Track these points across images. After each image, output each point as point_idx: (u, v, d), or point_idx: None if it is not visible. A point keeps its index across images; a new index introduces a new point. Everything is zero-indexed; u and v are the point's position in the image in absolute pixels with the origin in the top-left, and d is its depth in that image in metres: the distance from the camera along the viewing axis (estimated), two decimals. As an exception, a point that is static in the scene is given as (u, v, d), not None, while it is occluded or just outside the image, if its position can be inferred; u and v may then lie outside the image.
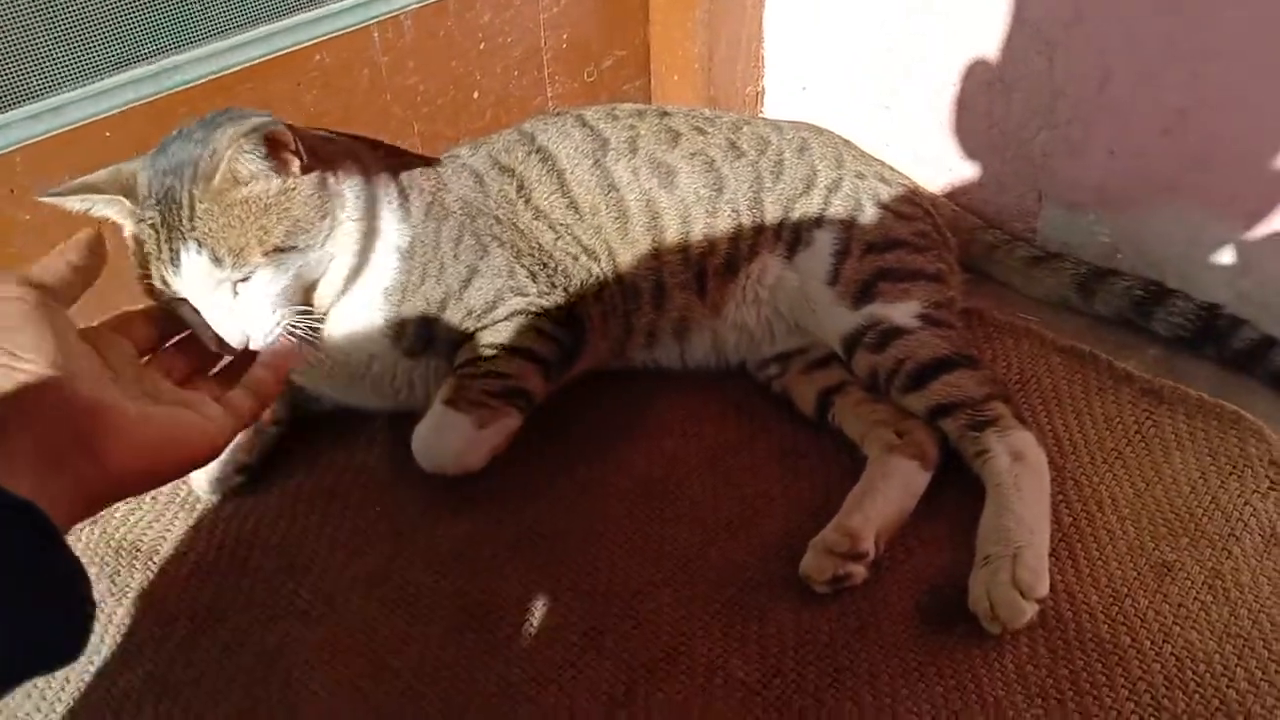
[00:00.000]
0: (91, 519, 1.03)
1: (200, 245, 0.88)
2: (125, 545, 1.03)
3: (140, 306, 0.85)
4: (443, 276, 1.03)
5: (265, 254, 0.91)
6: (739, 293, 1.13)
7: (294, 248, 0.93)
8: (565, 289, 1.07)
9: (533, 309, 1.05)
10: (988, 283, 1.27)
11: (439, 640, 0.91)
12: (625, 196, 1.11)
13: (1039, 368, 1.17)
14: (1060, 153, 1.26)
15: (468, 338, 1.04)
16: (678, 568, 0.97)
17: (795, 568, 0.94)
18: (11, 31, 0.99)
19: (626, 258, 1.11)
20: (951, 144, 1.37)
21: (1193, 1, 1.09)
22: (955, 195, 1.37)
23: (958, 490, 1.01)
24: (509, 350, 1.03)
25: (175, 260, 0.89)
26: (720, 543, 0.99)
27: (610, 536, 1.00)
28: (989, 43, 1.27)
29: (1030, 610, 0.87)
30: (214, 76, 1.09)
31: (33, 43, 1.00)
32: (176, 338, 0.85)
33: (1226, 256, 1.18)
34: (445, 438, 1.01)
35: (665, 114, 1.18)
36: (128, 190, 0.90)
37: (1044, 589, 0.88)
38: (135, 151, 1.04)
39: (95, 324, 0.81)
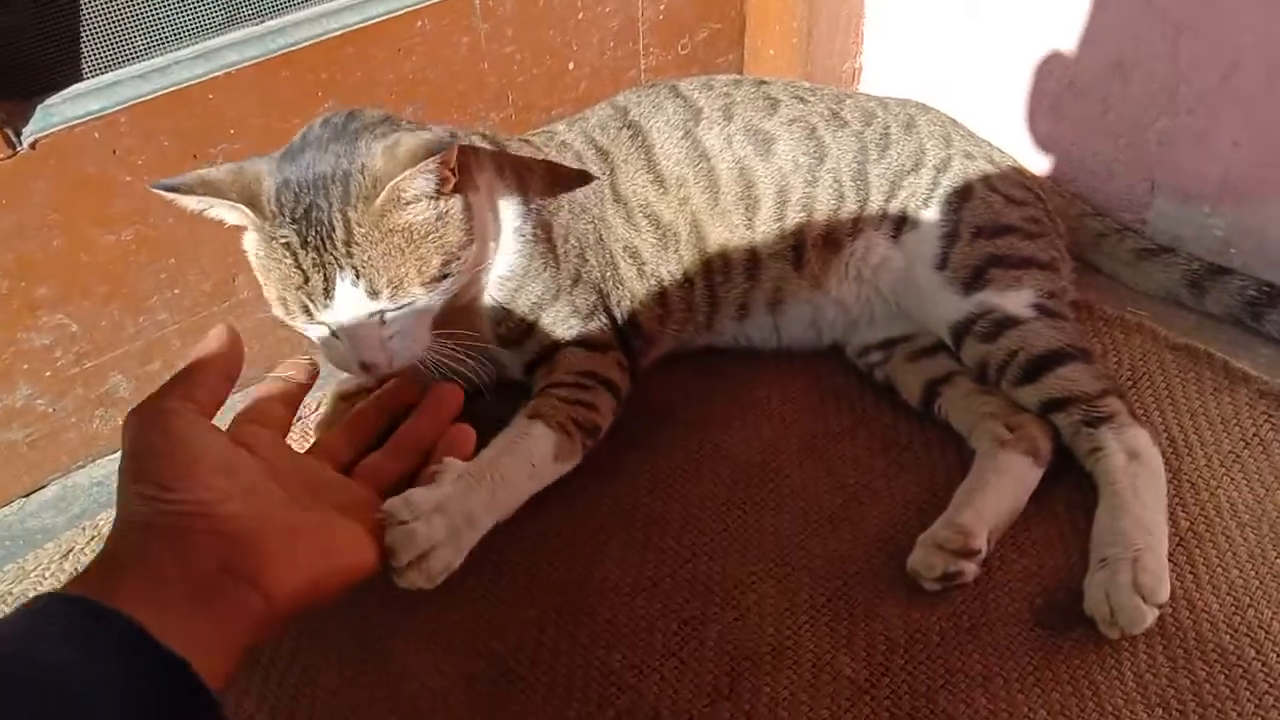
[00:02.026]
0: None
1: (359, 275, 0.83)
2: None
3: (270, 387, 0.85)
4: (559, 269, 1.01)
5: (423, 284, 0.86)
6: (841, 268, 1.10)
7: (448, 275, 0.88)
8: (619, 305, 1.06)
9: (611, 332, 1.04)
10: (1094, 274, 1.23)
11: (538, 623, 0.90)
12: (716, 166, 1.08)
13: (1151, 365, 1.12)
14: (1179, 142, 1.21)
15: (556, 348, 1.02)
16: (779, 559, 0.94)
17: (901, 563, 0.92)
18: (120, -11, 0.98)
19: (716, 230, 1.08)
20: (1060, 128, 1.32)
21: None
22: (1061, 181, 1.32)
23: (1066, 487, 0.98)
24: (599, 380, 1.00)
25: (328, 290, 0.84)
26: (822, 535, 0.97)
27: (709, 524, 0.98)
28: (1109, 24, 1.22)
29: (1151, 616, 0.84)
30: (317, 40, 1.06)
31: (141, 1, 0.99)
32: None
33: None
34: (523, 450, 0.92)
35: (763, 82, 1.15)
36: (252, 199, 0.84)
37: (1165, 594, 0.85)
38: (238, 115, 1.04)
39: (234, 419, 0.82)
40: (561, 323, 1.02)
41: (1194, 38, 1.15)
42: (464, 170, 0.91)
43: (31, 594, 0.93)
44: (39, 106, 0.96)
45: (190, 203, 0.84)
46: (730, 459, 1.05)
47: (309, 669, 0.87)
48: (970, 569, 0.90)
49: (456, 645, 0.88)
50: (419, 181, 0.84)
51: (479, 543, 0.91)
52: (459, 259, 0.89)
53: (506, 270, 1.00)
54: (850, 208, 1.08)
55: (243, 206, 0.83)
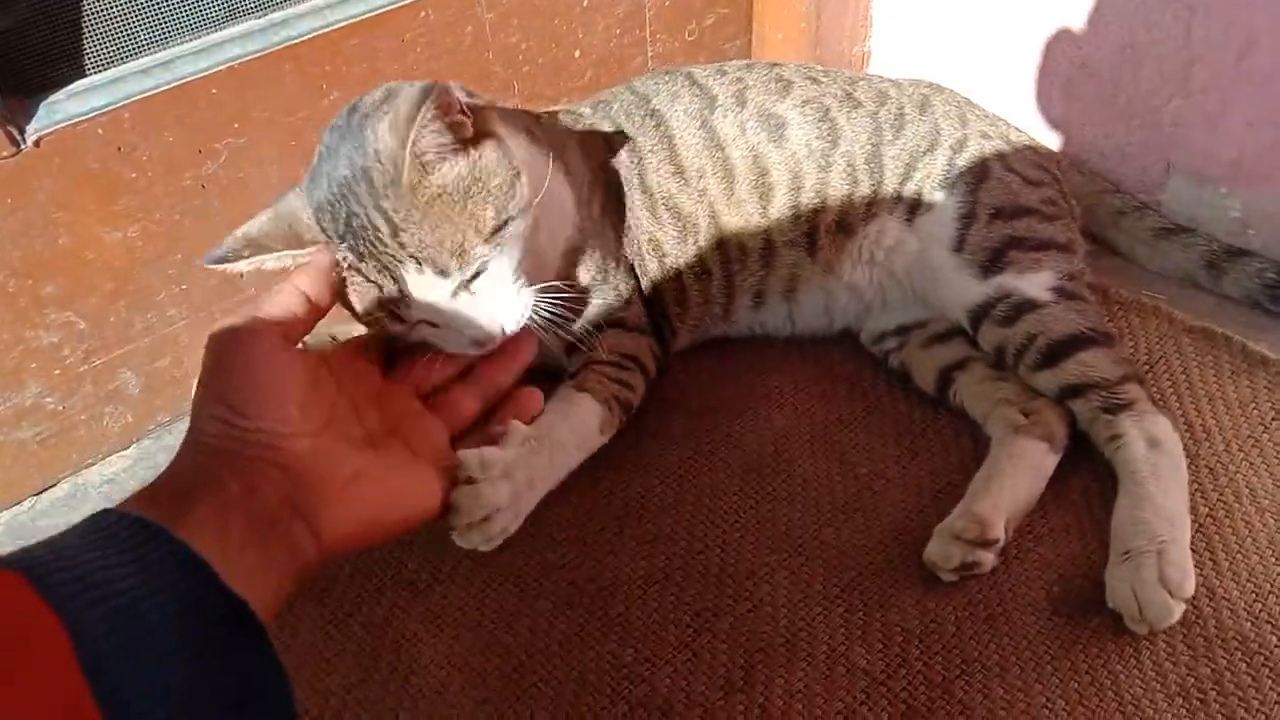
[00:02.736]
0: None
1: (420, 262, 0.80)
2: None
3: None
4: (604, 247, 1.01)
5: (486, 242, 0.83)
6: (855, 252, 1.09)
7: (508, 220, 0.84)
8: (644, 293, 1.06)
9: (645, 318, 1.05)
10: (1109, 256, 1.21)
11: (549, 616, 0.89)
12: (731, 155, 1.06)
13: (1168, 349, 1.11)
14: (1193, 123, 1.19)
15: (600, 329, 1.01)
16: (792, 549, 0.94)
17: (916, 553, 0.91)
18: (122, -16, 0.97)
19: (732, 219, 1.07)
20: (1073, 109, 1.30)
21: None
22: (1076, 163, 1.30)
23: (1083, 474, 0.97)
24: (637, 363, 1.02)
25: (401, 289, 0.81)
26: (836, 524, 0.96)
27: (721, 514, 0.97)
28: (1120, 4, 1.20)
29: (1179, 610, 0.82)
30: (321, 32, 1.06)
31: (142, -5, 0.99)
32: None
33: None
34: (575, 420, 0.94)
35: (776, 65, 1.14)
36: (294, 241, 0.81)
37: (1191, 587, 0.83)
38: (242, 109, 1.03)
39: (340, 343, 0.82)
40: (604, 304, 1.02)
41: (1207, 18, 1.13)
42: (486, 121, 0.87)
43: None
44: (42, 104, 0.95)
45: (243, 267, 0.81)
46: (742, 449, 1.04)
47: (320, 666, 0.87)
48: (988, 559, 0.88)
49: (466, 638, 0.88)
50: (429, 137, 0.79)
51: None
52: (512, 200, 0.85)
53: (564, 243, 0.99)
54: (864, 191, 1.07)
55: (291, 252, 0.80)
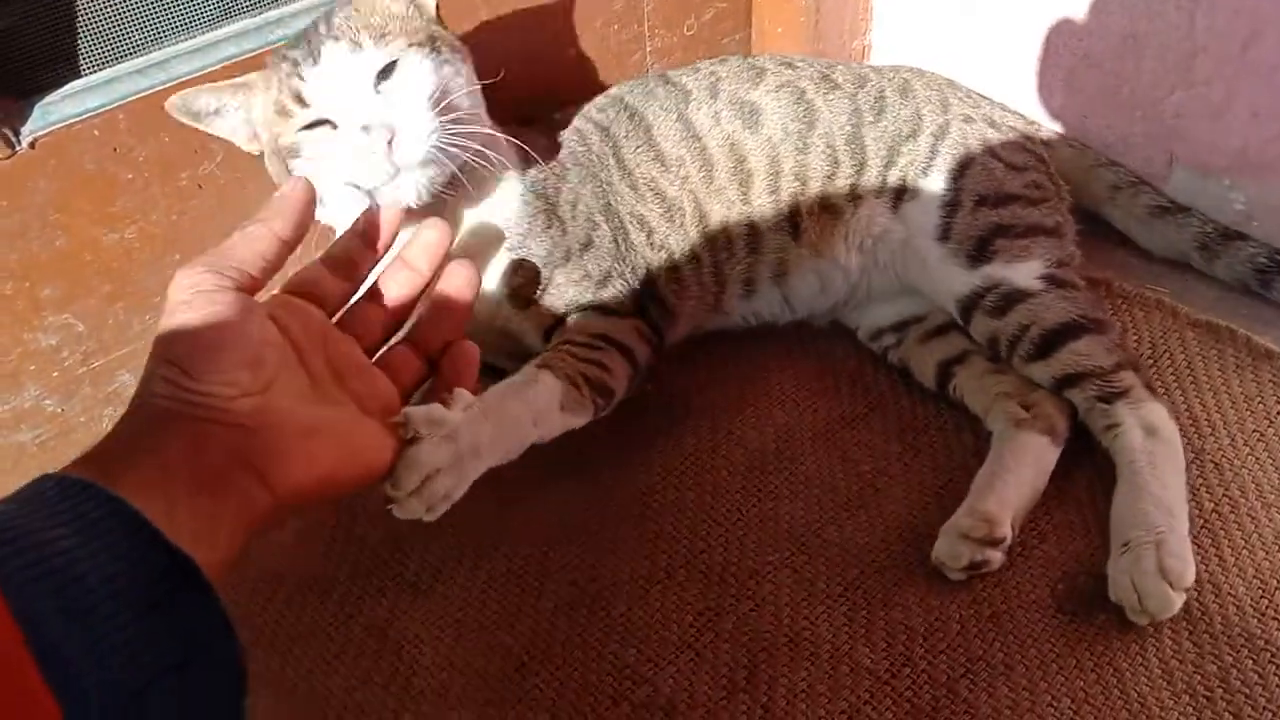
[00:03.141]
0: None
1: (338, 39, 0.86)
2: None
3: (335, 252, 0.81)
4: (565, 232, 0.99)
5: (411, 44, 0.88)
6: (844, 235, 1.08)
7: (438, 52, 0.89)
8: (634, 273, 1.03)
9: (628, 299, 1.02)
10: (1105, 245, 1.20)
11: (550, 616, 0.89)
12: (708, 144, 1.06)
13: (1171, 343, 1.10)
14: (1196, 114, 1.18)
15: (569, 312, 0.99)
16: (795, 547, 0.93)
17: (919, 550, 0.90)
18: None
19: (715, 208, 1.06)
20: (1075, 101, 1.29)
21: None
22: (1067, 137, 1.29)
23: (1085, 467, 0.96)
24: (612, 343, 0.97)
25: (315, 58, 0.86)
26: (839, 522, 0.95)
27: (723, 512, 0.97)
28: (1122, -5, 1.19)
29: (1179, 600, 0.82)
30: (316, 30, 1.05)
31: (137, -5, 0.98)
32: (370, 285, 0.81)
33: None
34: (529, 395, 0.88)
35: (750, 57, 1.15)
36: (251, 83, 0.90)
37: (1191, 577, 0.83)
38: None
39: (282, 287, 0.78)
40: (574, 285, 0.99)
41: (1210, 8, 1.12)
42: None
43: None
44: (37, 105, 0.95)
45: (204, 101, 0.88)
46: (744, 446, 1.04)
47: (321, 668, 0.87)
48: (997, 557, 0.88)
49: (467, 638, 0.88)
50: None
51: (487, 531, 0.90)
52: (451, 48, 0.91)
53: (511, 217, 0.97)
54: (846, 173, 1.06)
55: (250, 81, 0.89)
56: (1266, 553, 0.89)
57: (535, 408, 0.86)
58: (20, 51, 0.95)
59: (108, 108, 0.96)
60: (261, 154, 0.93)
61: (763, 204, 1.07)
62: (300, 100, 0.86)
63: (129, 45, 1.00)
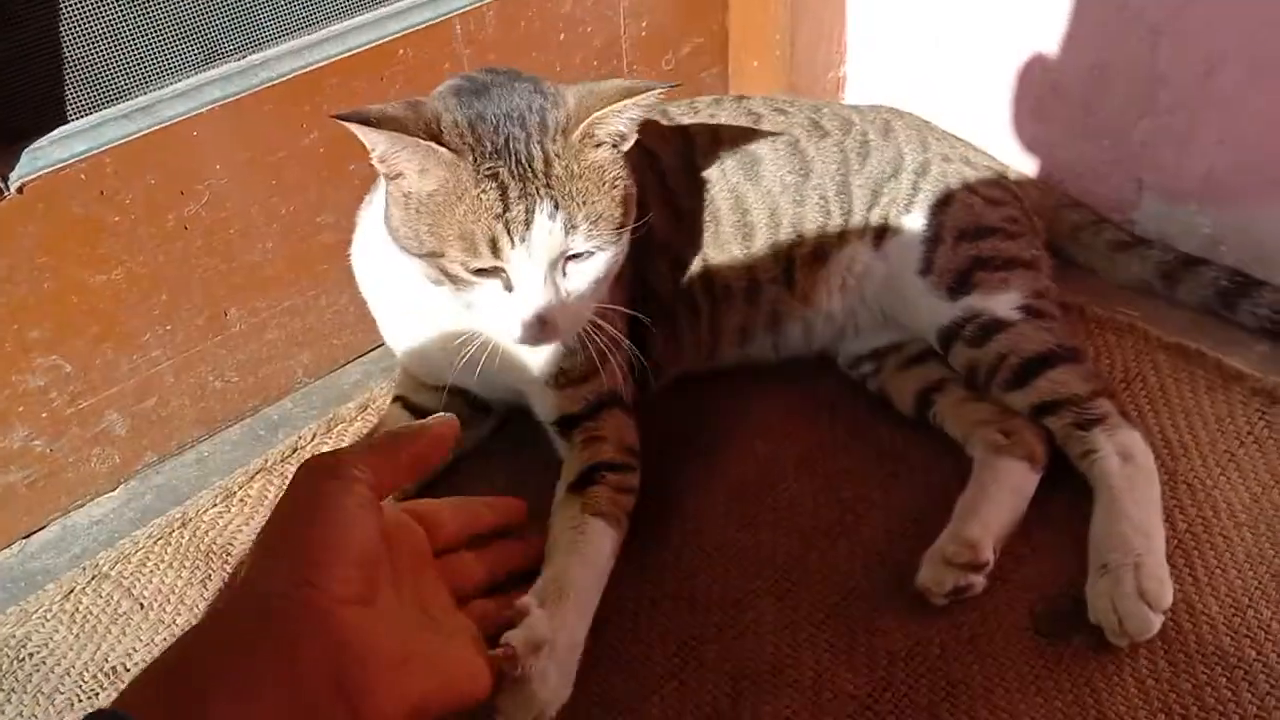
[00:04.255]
0: (182, 521, 1.04)
1: (557, 206, 0.80)
2: (216, 549, 1.02)
3: (454, 500, 0.82)
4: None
5: (614, 230, 0.84)
6: (828, 280, 1.10)
7: (624, 230, 0.86)
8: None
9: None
10: (1080, 276, 1.22)
11: (537, 648, 0.90)
12: (715, 197, 1.08)
13: (1144, 366, 1.12)
14: (1163, 142, 1.21)
15: (603, 405, 0.98)
16: (778, 575, 0.94)
17: (900, 575, 0.92)
18: (104, 29, 0.98)
19: (719, 260, 1.08)
20: (1045, 131, 1.32)
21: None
22: (1049, 183, 1.32)
23: (1062, 491, 0.97)
24: (634, 454, 0.98)
25: (528, 221, 0.80)
26: (820, 549, 0.97)
27: (707, 541, 0.98)
28: (1088, 27, 1.22)
29: (1158, 622, 0.84)
30: (300, 72, 1.07)
31: (123, 40, 1.00)
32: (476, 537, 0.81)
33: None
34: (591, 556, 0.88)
35: (743, 98, 1.16)
36: (432, 135, 0.80)
37: (1169, 598, 0.85)
38: (224, 150, 1.05)
39: (402, 506, 0.78)
40: (613, 373, 0.98)
41: (1172, 39, 1.15)
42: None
43: (34, 636, 0.94)
44: (24, 150, 0.96)
45: (377, 140, 0.80)
46: (726, 475, 1.05)
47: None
48: (979, 582, 0.90)
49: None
50: (615, 122, 0.83)
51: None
52: (631, 220, 0.87)
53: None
54: (836, 221, 1.09)
55: (431, 144, 0.80)
56: (1239, 571, 0.91)
57: (598, 568, 0.88)
58: (7, 97, 0.96)
59: (94, 152, 0.97)
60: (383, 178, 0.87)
61: (764, 255, 1.08)
62: (494, 249, 0.81)
63: (115, 90, 1.01)
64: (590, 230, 0.82)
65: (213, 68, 1.06)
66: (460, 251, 0.82)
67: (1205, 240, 1.23)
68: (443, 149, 0.80)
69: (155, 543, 1.03)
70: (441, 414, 0.76)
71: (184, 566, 1.00)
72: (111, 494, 1.11)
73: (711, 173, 1.08)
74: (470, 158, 0.80)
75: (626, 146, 0.87)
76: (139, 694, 0.54)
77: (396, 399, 1.10)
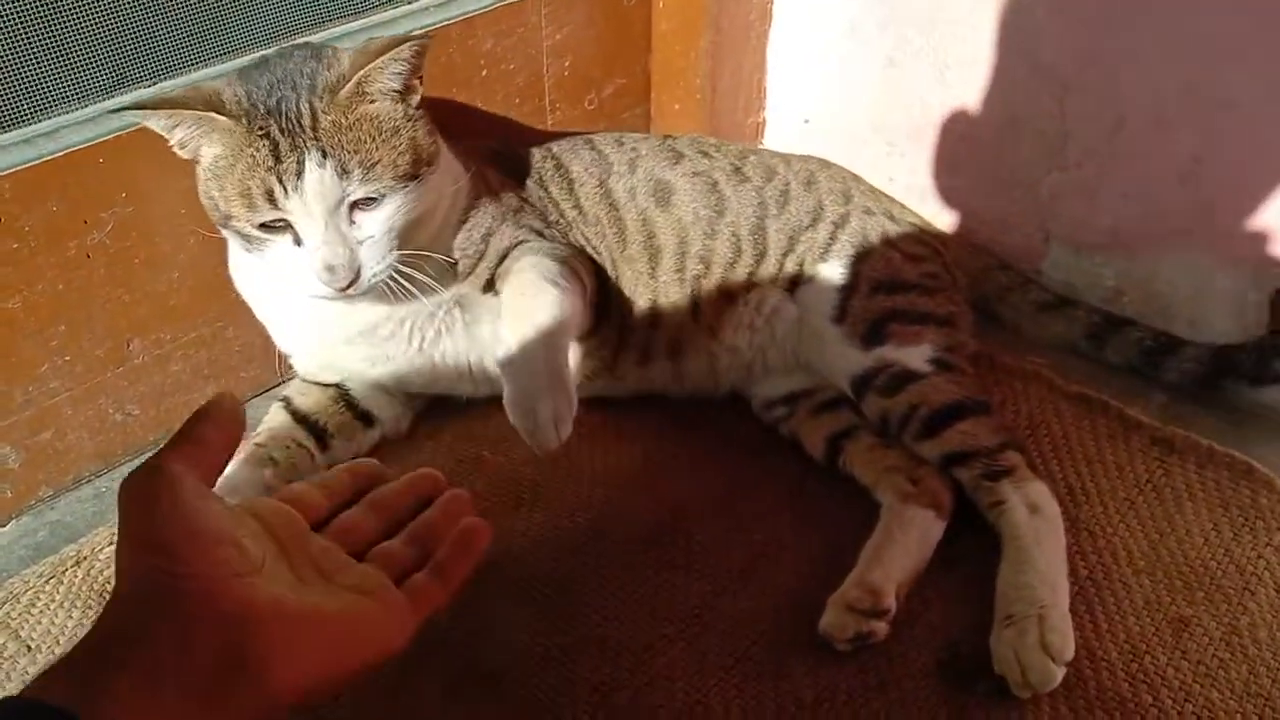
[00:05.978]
0: (76, 559, 1.00)
1: (325, 155, 0.87)
2: (111, 588, 0.98)
3: (314, 478, 0.80)
4: (500, 204, 1.07)
5: (395, 177, 0.90)
6: (736, 318, 1.11)
7: (417, 178, 0.92)
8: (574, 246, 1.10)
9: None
10: (995, 326, 1.25)
11: (440, 697, 0.88)
12: (624, 215, 1.11)
13: (1048, 414, 1.15)
14: (1070, 195, 1.25)
15: (508, 251, 1.04)
16: (689, 619, 0.94)
17: (809, 619, 0.92)
18: (6, 53, 0.95)
19: (626, 274, 1.10)
20: (960, 181, 1.36)
21: (1211, 51, 1.09)
22: (960, 233, 1.36)
23: (967, 538, 0.99)
24: (567, 261, 1.04)
25: (299, 171, 0.87)
26: (731, 592, 0.97)
27: (618, 585, 0.97)
28: (1002, 83, 1.26)
29: (1060, 674, 0.85)
30: (212, 102, 1.05)
31: (27, 65, 0.96)
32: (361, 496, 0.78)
33: (1236, 304, 1.17)
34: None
35: (670, 138, 1.19)
36: (215, 106, 0.87)
37: (1071, 651, 0.86)
38: (129, 178, 1.02)
39: (260, 499, 0.76)
40: (510, 235, 1.05)
41: (1080, 95, 1.19)
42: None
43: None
44: (-80, 174, 0.93)
45: (158, 122, 0.88)
46: (638, 518, 1.04)
47: None
48: (881, 628, 0.90)
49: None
50: (385, 75, 0.90)
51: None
52: (429, 167, 0.94)
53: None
54: (747, 261, 1.10)
55: (211, 114, 0.86)
56: (1137, 618, 0.93)
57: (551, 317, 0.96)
58: (-98, 120, 0.93)
59: (-7, 177, 0.94)
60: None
61: (669, 280, 1.10)
62: (271, 200, 0.88)
63: (15, 114, 0.98)
64: (365, 175, 0.89)
65: (120, 93, 1.03)
66: (243, 209, 0.88)
67: (1109, 292, 1.26)
68: (221, 116, 0.87)
69: (46, 582, 0.98)
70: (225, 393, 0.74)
71: (75, 607, 0.96)
72: (2, 529, 1.06)
73: (621, 194, 1.12)
74: (244, 121, 0.87)
75: (415, 99, 0.94)
76: (47, 678, 0.54)
77: (281, 400, 1.12)
